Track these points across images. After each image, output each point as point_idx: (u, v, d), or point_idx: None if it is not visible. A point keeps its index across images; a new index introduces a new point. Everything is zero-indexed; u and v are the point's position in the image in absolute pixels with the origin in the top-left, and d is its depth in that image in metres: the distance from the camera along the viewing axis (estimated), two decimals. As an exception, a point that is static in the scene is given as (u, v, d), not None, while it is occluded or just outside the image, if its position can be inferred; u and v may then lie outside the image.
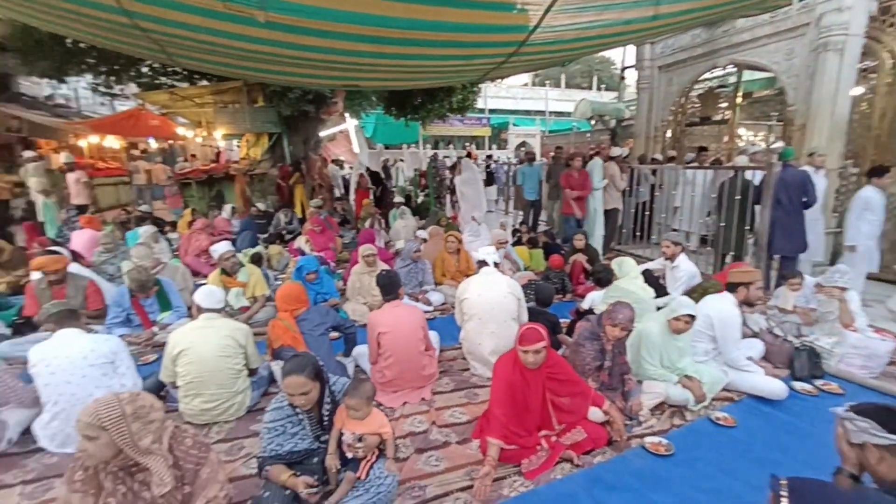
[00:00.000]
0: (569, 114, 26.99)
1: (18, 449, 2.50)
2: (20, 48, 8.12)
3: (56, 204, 8.39)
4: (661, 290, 4.09)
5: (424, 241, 5.80)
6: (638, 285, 3.61)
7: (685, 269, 4.07)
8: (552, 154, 8.54)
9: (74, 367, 2.47)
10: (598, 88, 30.29)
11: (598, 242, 6.22)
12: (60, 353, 2.49)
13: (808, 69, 5.58)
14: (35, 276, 3.73)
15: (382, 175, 14.13)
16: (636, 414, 2.67)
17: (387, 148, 21.71)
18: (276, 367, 3.11)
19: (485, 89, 21.29)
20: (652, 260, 4.96)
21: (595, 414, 2.47)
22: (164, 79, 10.24)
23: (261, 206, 9.28)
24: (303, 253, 5.31)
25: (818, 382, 3.14)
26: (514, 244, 6.11)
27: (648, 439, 2.49)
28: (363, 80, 5.31)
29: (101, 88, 9.82)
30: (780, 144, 5.01)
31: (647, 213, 6.63)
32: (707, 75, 7.87)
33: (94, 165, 11.89)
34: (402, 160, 16.54)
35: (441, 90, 10.97)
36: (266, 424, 1.96)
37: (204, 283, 5.14)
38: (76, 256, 4.75)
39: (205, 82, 10.58)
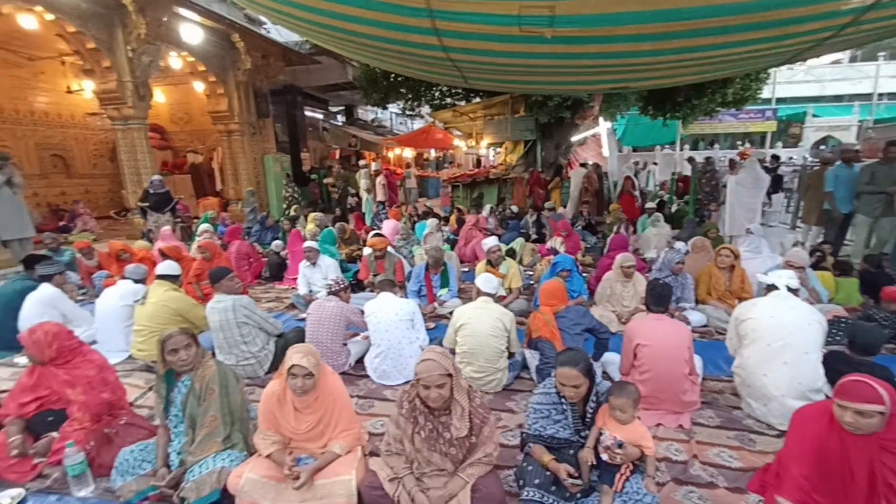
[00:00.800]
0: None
1: (354, 372, 3.44)
2: (363, 85, 11.04)
3: (371, 199, 11.11)
4: None
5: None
6: None
7: None
8: (881, 151, 6.16)
9: (390, 320, 3.25)
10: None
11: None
12: (382, 309, 3.31)
13: None
14: (366, 251, 5.05)
15: (630, 179, 13.21)
16: None
17: (635, 150, 20.12)
18: (529, 354, 3.34)
19: (774, 74, 17.10)
20: None
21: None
22: (448, 99, 12.15)
23: (514, 208, 10.00)
24: (555, 252, 5.49)
25: None
26: (813, 267, 4.75)
27: None
28: (636, 80, 5.07)
29: (407, 111, 12.51)
30: None
31: None
32: None
33: (395, 171, 15.15)
34: (654, 163, 15.01)
35: (713, 82, 9.46)
36: (533, 404, 2.11)
37: (465, 270, 5.99)
38: (386, 240, 6.19)
39: (477, 99, 12.10)
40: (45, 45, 9.23)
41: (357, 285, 5.21)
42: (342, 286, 3.54)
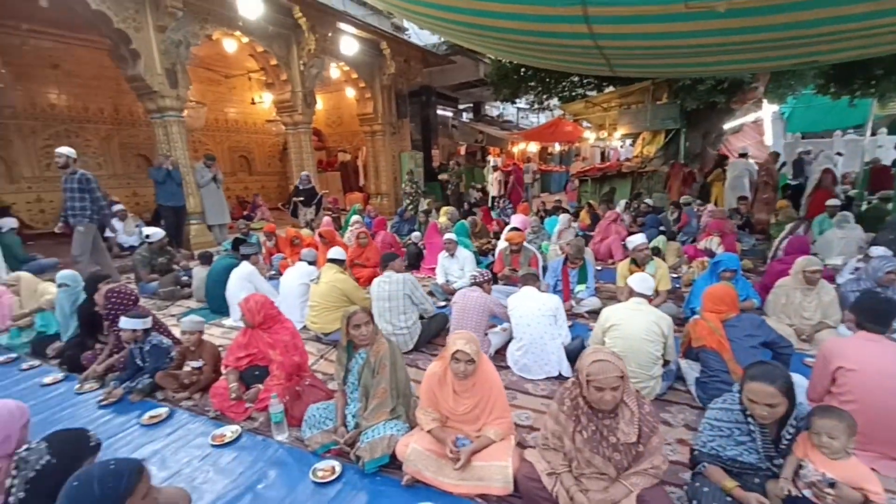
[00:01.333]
0: None
1: (493, 363, 3.48)
2: (493, 81, 11.11)
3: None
4: None
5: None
6: None
7: None
8: None
9: (532, 315, 3.21)
10: None
11: None
12: (525, 304, 3.28)
13: None
14: (501, 244, 5.10)
15: (792, 171, 11.04)
16: None
17: (803, 137, 16.73)
18: (686, 364, 3.01)
19: None
20: None
21: None
22: (579, 90, 11.58)
23: (649, 201, 9.15)
24: (711, 253, 4.87)
25: None
26: None
27: None
28: (835, 52, 4.14)
29: (535, 105, 12.28)
30: None
31: None
32: None
33: (519, 166, 14.97)
34: (839, 153, 12.36)
35: (936, 46, 7.37)
36: (710, 420, 1.89)
37: (598, 269, 5.65)
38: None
39: (611, 88, 11.30)
40: (237, 65, 11.17)
41: (493, 278, 5.29)
42: (485, 278, 3.61)
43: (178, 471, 2.29)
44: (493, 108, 21.19)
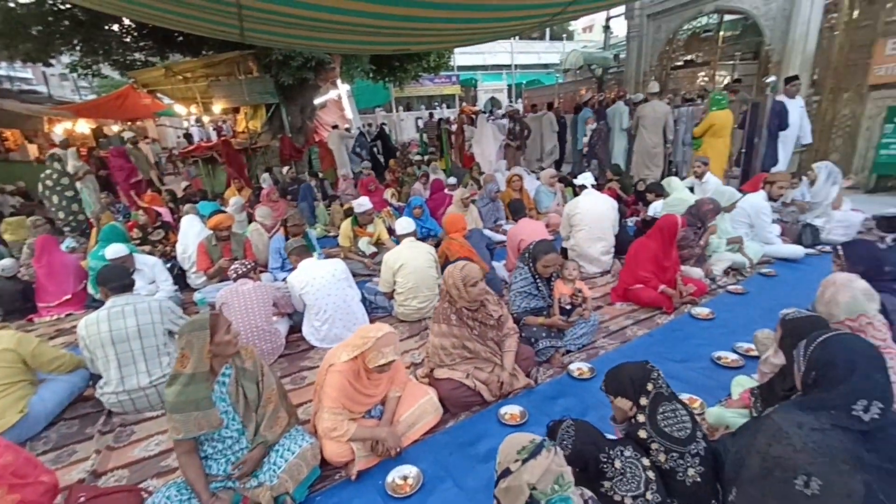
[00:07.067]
0: (532, 66, 27.61)
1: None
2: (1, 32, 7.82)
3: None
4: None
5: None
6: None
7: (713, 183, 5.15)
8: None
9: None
10: (554, 39, 30.87)
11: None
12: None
13: (784, 12, 6.73)
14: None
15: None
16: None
17: (361, 112, 21.59)
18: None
19: (452, 46, 21.35)
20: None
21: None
22: (138, 55, 10.09)
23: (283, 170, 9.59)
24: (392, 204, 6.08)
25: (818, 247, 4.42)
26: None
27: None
28: (411, 43, 5.73)
29: (79, 70, 9.56)
30: (773, 79, 5.86)
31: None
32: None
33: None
34: (383, 123, 16.84)
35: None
36: (515, 290, 2.89)
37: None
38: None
39: (179, 57, 10.49)
40: None
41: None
42: (249, 267, 3.22)
43: None
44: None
